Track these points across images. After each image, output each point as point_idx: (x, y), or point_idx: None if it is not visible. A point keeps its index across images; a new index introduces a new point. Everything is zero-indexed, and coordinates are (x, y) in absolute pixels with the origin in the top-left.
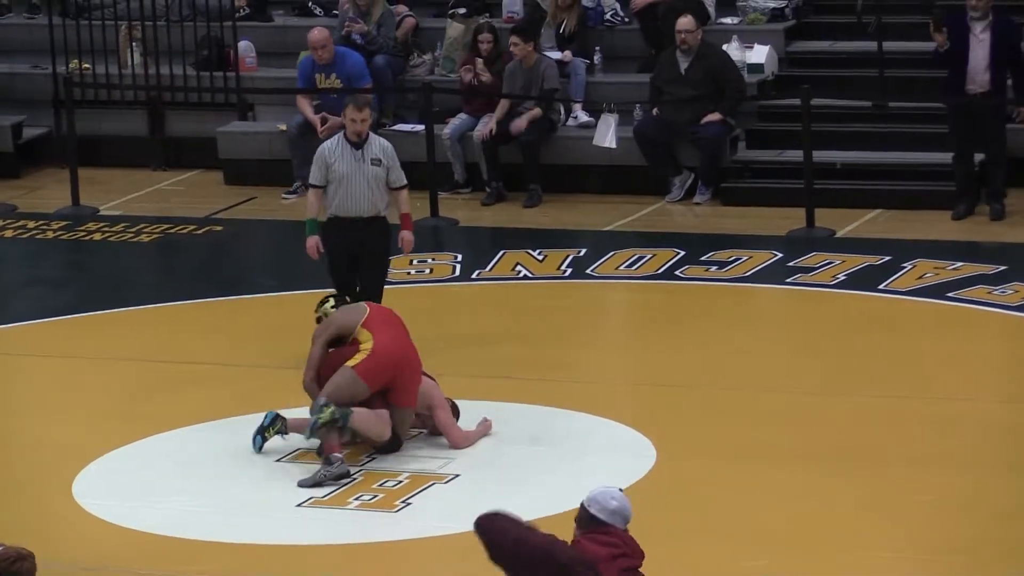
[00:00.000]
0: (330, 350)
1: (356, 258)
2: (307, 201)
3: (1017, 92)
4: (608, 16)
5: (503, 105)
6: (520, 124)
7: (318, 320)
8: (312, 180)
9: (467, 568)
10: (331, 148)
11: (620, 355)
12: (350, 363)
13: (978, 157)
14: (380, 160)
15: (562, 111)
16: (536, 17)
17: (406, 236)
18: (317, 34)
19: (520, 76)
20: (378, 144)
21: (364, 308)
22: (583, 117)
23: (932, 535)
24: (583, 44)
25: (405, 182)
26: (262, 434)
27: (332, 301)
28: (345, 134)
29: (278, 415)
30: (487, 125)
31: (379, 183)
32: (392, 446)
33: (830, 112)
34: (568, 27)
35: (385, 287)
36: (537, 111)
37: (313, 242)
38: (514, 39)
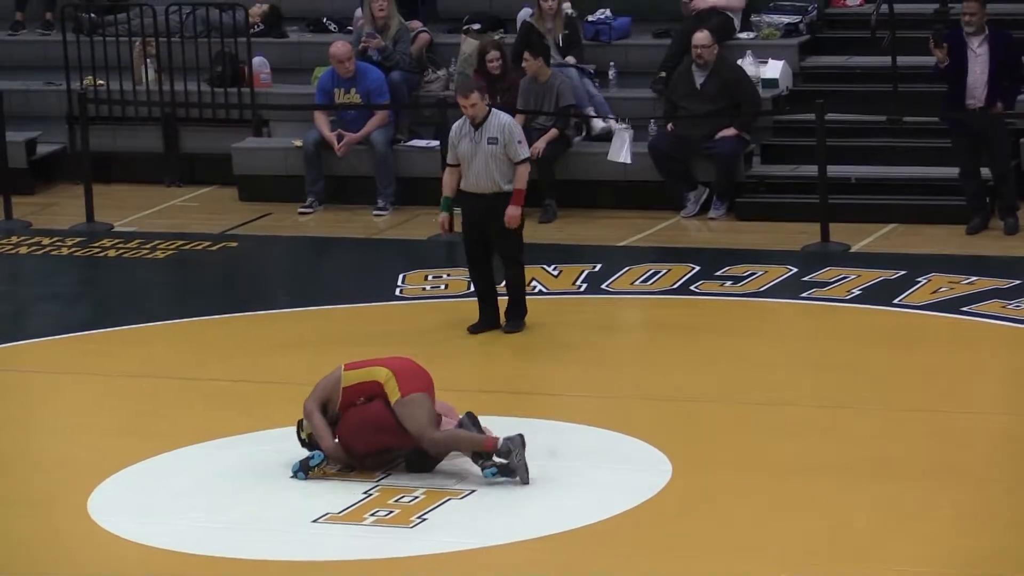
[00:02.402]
0: (344, 413)
1: (485, 232)
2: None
3: (1005, 103)
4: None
5: (519, 120)
6: (539, 146)
7: (305, 441)
8: (447, 160)
9: None
10: (456, 129)
11: (635, 370)
12: (395, 395)
13: (987, 172)
14: (497, 139)
15: (583, 128)
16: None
17: (508, 211)
18: (340, 47)
19: (534, 91)
20: (497, 123)
21: (338, 367)
22: (600, 124)
23: (949, 548)
24: (579, 53)
25: (522, 156)
26: (306, 471)
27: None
28: None
29: (325, 456)
30: None
31: (497, 161)
32: (424, 464)
33: (845, 127)
34: (559, 35)
35: (517, 258)
36: (554, 131)
37: (442, 219)
38: (525, 55)
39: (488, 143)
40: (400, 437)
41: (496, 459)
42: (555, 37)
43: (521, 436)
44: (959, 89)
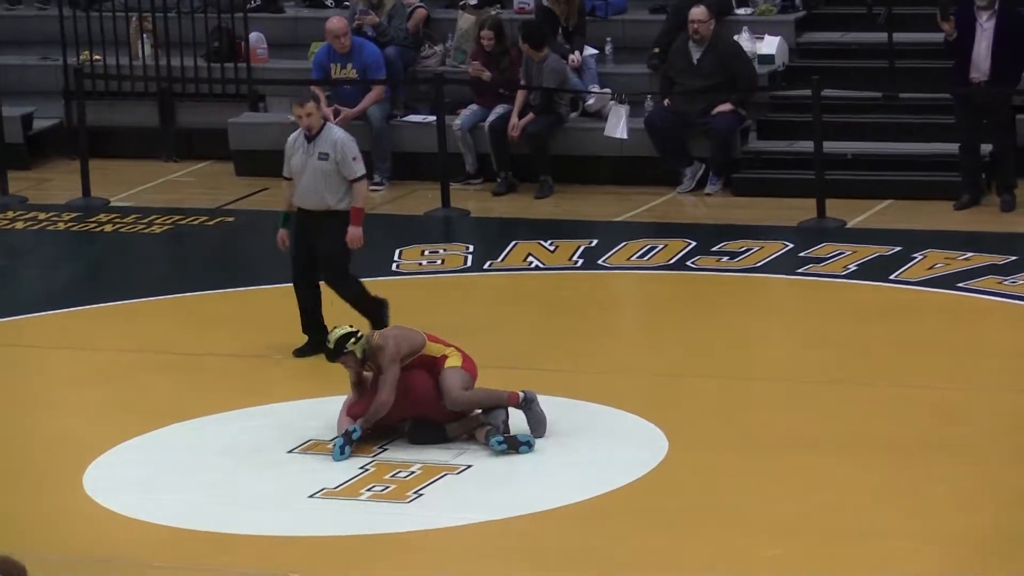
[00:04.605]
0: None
1: (313, 251)
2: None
3: (1010, 79)
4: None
5: (520, 98)
6: (513, 135)
7: (348, 356)
8: (283, 172)
9: (478, 559)
10: (291, 141)
11: (631, 345)
12: (454, 364)
13: (987, 148)
14: (328, 155)
15: (579, 105)
16: (546, 18)
17: (349, 231)
18: (336, 23)
19: (533, 69)
20: (330, 138)
21: (421, 333)
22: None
23: (946, 524)
24: (584, 36)
25: (358, 174)
26: (351, 444)
27: (361, 333)
28: None
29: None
30: (512, 120)
31: (328, 178)
32: (438, 437)
33: (841, 103)
34: (571, 21)
35: (339, 283)
36: (530, 116)
37: (280, 235)
38: (523, 45)
39: (319, 158)
40: (433, 408)
41: (522, 409)
42: (568, 22)
43: (533, 392)
44: (964, 63)
